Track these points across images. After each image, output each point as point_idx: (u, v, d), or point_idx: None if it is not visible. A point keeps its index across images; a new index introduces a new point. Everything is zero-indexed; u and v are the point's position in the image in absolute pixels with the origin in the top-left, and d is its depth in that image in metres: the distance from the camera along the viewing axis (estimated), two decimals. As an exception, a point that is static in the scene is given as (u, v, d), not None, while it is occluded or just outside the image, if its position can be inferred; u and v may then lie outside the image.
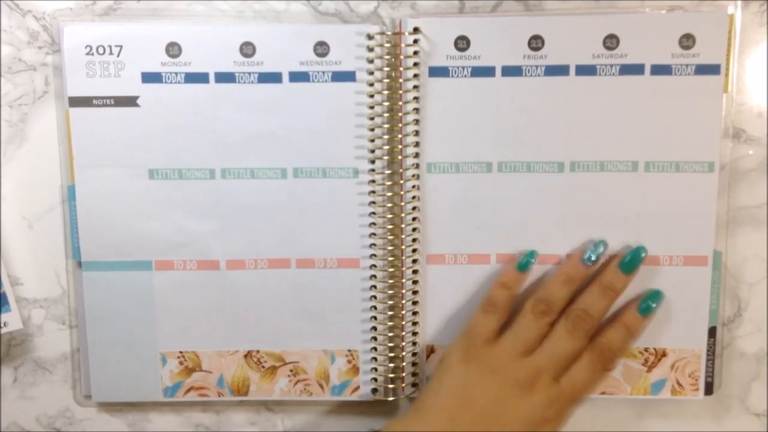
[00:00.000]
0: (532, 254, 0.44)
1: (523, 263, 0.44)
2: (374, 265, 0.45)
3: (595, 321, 0.42)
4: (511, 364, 0.41)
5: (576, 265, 0.43)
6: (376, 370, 0.46)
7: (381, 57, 0.44)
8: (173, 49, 0.44)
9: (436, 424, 0.40)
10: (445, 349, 0.44)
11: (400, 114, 0.44)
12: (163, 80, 0.44)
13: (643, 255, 0.43)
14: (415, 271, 0.45)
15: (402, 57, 0.43)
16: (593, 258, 0.43)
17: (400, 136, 0.44)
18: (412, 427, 0.41)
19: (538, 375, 0.41)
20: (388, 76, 0.44)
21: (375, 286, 0.46)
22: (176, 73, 0.44)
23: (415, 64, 0.43)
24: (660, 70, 0.43)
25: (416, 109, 0.44)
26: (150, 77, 0.44)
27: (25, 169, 0.46)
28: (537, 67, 0.44)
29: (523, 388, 0.40)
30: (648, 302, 0.43)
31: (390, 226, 0.45)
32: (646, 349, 0.46)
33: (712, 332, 0.45)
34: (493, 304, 0.43)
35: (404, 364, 0.46)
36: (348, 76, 0.44)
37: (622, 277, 0.43)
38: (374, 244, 0.45)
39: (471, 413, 0.40)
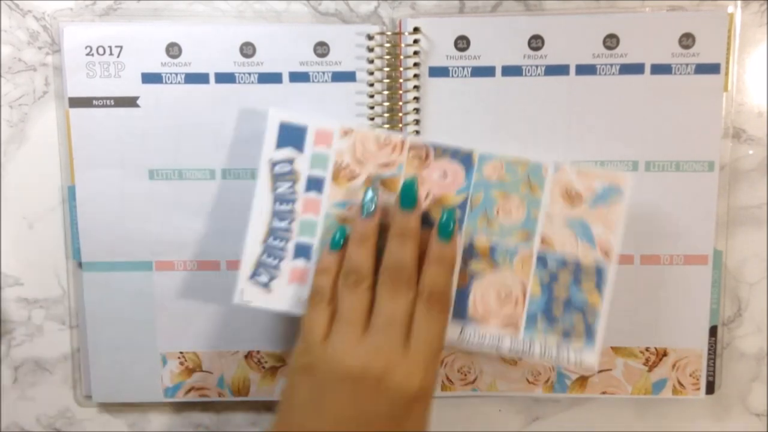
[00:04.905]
0: (342, 231, 0.41)
1: (334, 243, 0.41)
2: (374, 265, 0.45)
3: (410, 269, 0.39)
4: (351, 352, 0.38)
5: (363, 222, 0.40)
6: (376, 370, 0.46)
7: (381, 57, 0.44)
8: (173, 50, 0.44)
9: None
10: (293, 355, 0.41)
11: (400, 114, 0.44)
12: (163, 81, 0.44)
13: (414, 185, 0.40)
14: (415, 271, 0.45)
15: (402, 57, 0.43)
16: (372, 210, 0.40)
17: (400, 136, 0.44)
18: None
19: (381, 352, 0.38)
20: (388, 76, 0.44)
21: (375, 286, 0.45)
22: (176, 74, 0.44)
23: (415, 64, 0.43)
24: (660, 69, 0.43)
25: (416, 109, 0.44)
26: (150, 78, 0.44)
27: (25, 169, 0.46)
28: (537, 66, 0.44)
29: (377, 379, 0.37)
30: (443, 226, 0.40)
31: (390, 226, 0.45)
32: (647, 349, 0.46)
33: (712, 331, 0.45)
34: (318, 293, 0.40)
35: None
36: (348, 76, 0.44)
37: (407, 215, 0.40)
38: (374, 244, 0.45)
39: (328, 425, 0.37)
